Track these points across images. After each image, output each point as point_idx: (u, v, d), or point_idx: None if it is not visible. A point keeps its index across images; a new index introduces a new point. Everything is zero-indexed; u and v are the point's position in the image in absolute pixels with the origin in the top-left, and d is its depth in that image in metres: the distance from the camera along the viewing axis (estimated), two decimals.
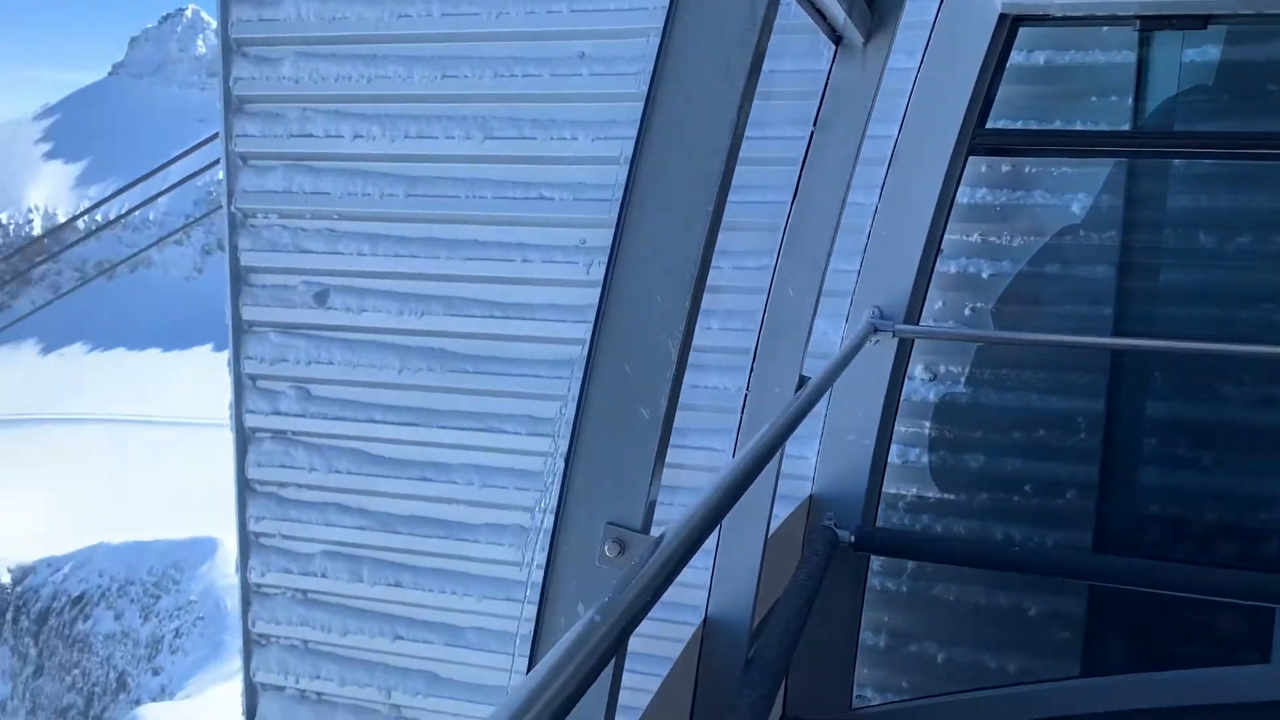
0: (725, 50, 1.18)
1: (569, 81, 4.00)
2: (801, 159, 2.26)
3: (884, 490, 3.51)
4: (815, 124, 2.25)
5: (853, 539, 3.24)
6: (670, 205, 1.21)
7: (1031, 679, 3.56)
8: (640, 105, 3.98)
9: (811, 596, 2.80)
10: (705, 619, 2.38)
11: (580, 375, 1.27)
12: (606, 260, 1.26)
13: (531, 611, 4.06)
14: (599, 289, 4.41)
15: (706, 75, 1.19)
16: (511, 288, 4.21)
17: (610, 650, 0.97)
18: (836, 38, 2.17)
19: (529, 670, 1.40)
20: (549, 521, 4.27)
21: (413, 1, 4.09)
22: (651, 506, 1.28)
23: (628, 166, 1.22)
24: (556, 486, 1.29)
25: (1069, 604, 3.53)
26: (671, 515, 1.35)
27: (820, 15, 1.99)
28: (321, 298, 3.95)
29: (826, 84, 2.24)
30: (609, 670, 1.17)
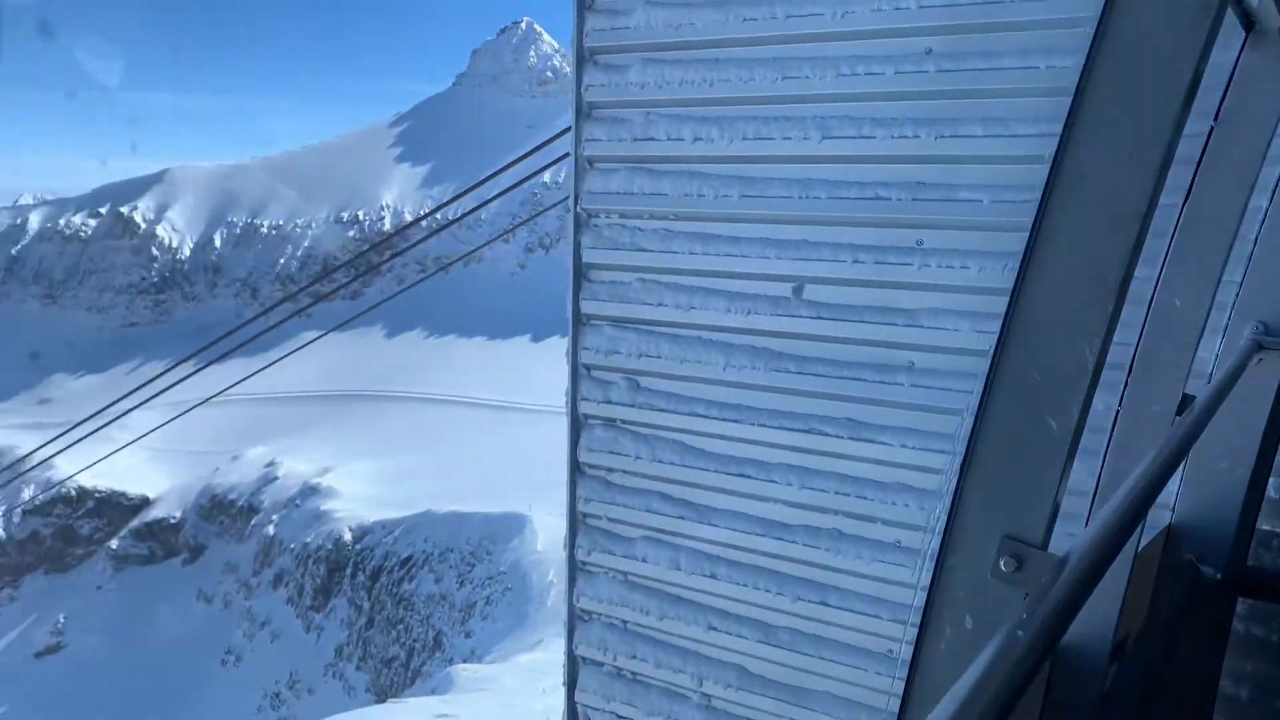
0: (1171, 39, 1.09)
1: (913, 78, 3.90)
2: (1197, 157, 2.06)
3: (1258, 527, 3.15)
4: (1215, 119, 2.05)
5: (1218, 577, 2.94)
6: (1098, 205, 1.14)
7: None
8: (991, 101, 3.79)
9: (1170, 634, 2.57)
10: (1057, 646, 2.24)
11: (981, 382, 1.22)
12: (1019, 263, 1.21)
13: (849, 619, 3.97)
14: (934, 292, 4.26)
15: (1147, 66, 1.11)
16: (839, 289, 4.17)
17: (1034, 668, 0.93)
18: (1248, 23, 1.96)
19: (910, 678, 1.38)
20: (856, 528, 4.13)
21: (757, 4, 4.15)
22: (1053, 522, 1.22)
23: (1049, 165, 1.16)
24: (948, 497, 1.25)
25: None
26: None
27: None
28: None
29: (1232, 75, 2.03)
30: (1031, 690, 1.12)
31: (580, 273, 4.77)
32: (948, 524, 1.30)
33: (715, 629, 4.50)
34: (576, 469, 4.86)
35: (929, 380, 4.02)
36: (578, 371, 4.83)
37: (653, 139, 4.46)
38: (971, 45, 3.75)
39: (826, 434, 4.23)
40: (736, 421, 4.44)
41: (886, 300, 4.06)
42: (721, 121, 4.30)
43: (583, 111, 4.58)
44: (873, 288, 4.08)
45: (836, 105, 4.07)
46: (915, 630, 1.35)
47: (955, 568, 1.29)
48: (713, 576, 4.50)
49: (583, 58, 4.54)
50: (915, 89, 3.90)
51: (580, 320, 4.80)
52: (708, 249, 4.44)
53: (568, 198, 4.81)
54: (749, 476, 4.41)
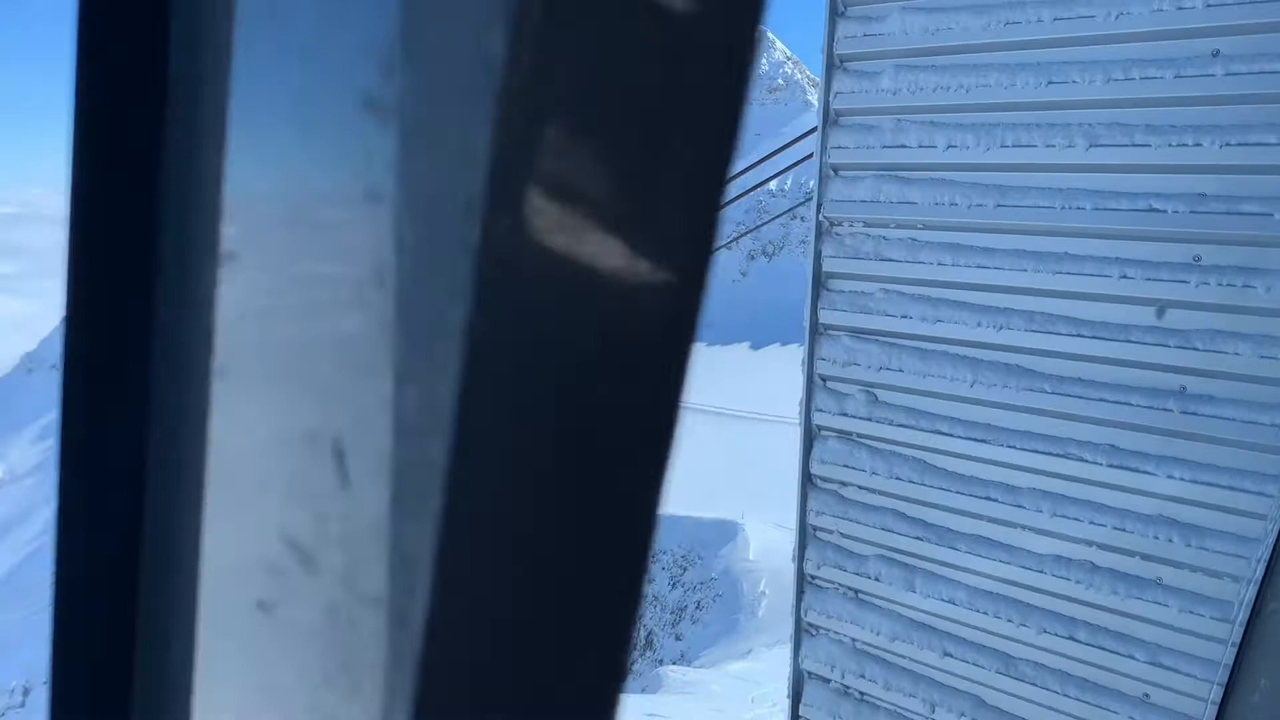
0: None
1: (1196, 83, 3.61)
2: None
3: None
4: None
5: None
6: None
7: None
8: None
9: None
10: None
11: None
12: None
13: (1099, 656, 3.72)
14: (1212, 312, 3.96)
15: None
16: (1105, 305, 3.92)
17: None
18: None
19: None
20: (1112, 561, 3.86)
21: (1021, 7, 3.97)
22: None
23: None
24: (1269, 538, 1.14)
25: None
26: None
27: None
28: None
29: None
30: None
31: (820, 282, 4.72)
32: (1268, 568, 1.19)
33: (950, 655, 4.33)
34: (808, 480, 4.81)
35: (1202, 407, 3.72)
36: (813, 382, 4.78)
37: (903, 146, 4.35)
38: (1267, 46, 3.44)
39: (1084, 460, 3.98)
40: (983, 441, 4.26)
41: (1155, 319, 3.79)
42: (977, 128, 4.14)
43: (830, 119, 4.53)
44: (1142, 306, 3.82)
45: (1106, 111, 3.84)
46: (1220, 688, 1.25)
47: (1276, 613, 1.19)
48: (950, 601, 4.33)
49: (832, 65, 4.50)
50: (1198, 94, 3.62)
51: (818, 330, 4.75)
52: (958, 260, 4.28)
53: (796, 206, 4.78)
54: (994, 500, 4.22)
